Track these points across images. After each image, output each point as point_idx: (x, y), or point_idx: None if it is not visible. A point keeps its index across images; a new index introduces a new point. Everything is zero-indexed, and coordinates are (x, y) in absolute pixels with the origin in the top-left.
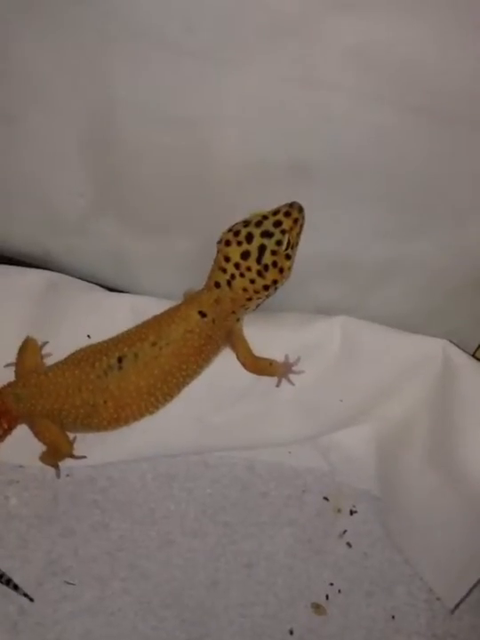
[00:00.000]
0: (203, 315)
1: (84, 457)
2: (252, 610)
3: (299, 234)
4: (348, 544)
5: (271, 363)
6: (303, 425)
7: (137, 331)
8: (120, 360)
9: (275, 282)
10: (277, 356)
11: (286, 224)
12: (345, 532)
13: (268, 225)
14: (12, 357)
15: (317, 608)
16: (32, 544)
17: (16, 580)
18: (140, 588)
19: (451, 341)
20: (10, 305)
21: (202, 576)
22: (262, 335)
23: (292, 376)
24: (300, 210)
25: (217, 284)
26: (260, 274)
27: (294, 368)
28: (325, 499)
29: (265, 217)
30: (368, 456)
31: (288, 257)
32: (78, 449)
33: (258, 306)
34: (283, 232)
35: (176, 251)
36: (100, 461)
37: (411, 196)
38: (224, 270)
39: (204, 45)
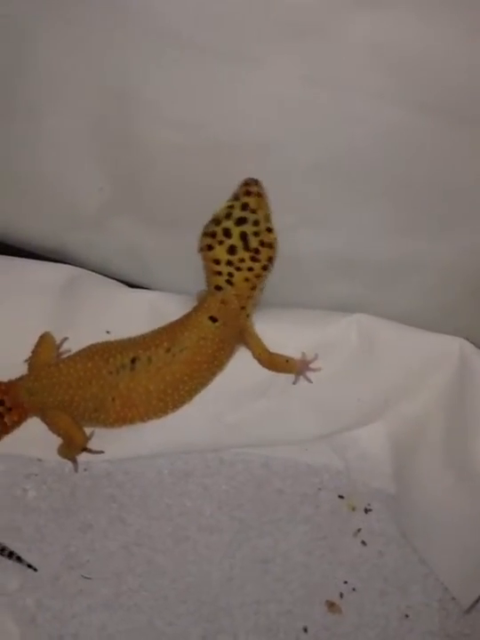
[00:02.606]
0: (214, 320)
1: (102, 452)
2: (267, 607)
3: (267, 205)
4: (363, 542)
5: (288, 360)
6: (319, 423)
7: (152, 336)
8: (133, 361)
9: (270, 258)
10: (294, 353)
11: (252, 203)
12: (360, 530)
13: (237, 213)
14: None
15: (332, 606)
16: (49, 537)
17: (33, 573)
18: (156, 583)
19: (467, 339)
20: (29, 299)
21: (217, 572)
22: (279, 332)
23: (309, 373)
24: (256, 182)
25: (218, 288)
26: (253, 259)
27: (311, 365)
28: (341, 497)
29: (230, 207)
30: (384, 454)
31: (269, 230)
32: (96, 444)
33: (261, 290)
34: (253, 212)
35: (192, 247)
36: (117, 456)
37: (425, 195)
38: (219, 273)
39: (222, 43)
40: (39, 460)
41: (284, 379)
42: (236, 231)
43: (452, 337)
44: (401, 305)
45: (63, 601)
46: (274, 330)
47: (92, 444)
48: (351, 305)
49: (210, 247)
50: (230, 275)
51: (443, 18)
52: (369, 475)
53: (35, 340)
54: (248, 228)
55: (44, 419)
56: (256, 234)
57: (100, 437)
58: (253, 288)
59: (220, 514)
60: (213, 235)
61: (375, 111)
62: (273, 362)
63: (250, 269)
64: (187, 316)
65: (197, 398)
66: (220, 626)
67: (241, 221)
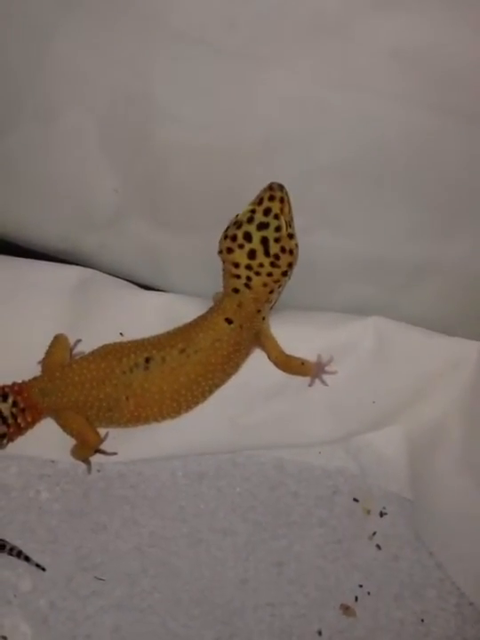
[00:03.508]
0: (229, 322)
1: (115, 453)
2: (281, 609)
3: (290, 210)
4: (378, 546)
5: (303, 362)
6: (334, 426)
7: (167, 337)
8: (147, 360)
9: (290, 265)
10: (310, 355)
11: (275, 207)
12: (375, 533)
13: (259, 217)
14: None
15: (346, 609)
16: (62, 539)
17: (46, 574)
18: (169, 585)
19: None
20: (43, 300)
21: (231, 575)
22: (295, 334)
23: (324, 376)
24: (281, 188)
25: (235, 291)
26: (273, 265)
27: (327, 368)
28: (355, 500)
29: (253, 211)
30: (399, 458)
31: (291, 236)
32: (109, 445)
33: (279, 294)
34: (276, 217)
35: (207, 249)
36: (130, 458)
37: (445, 198)
38: (238, 276)
39: (243, 44)
40: (53, 461)
41: (300, 381)
42: (256, 236)
43: (469, 340)
44: (418, 308)
45: (76, 602)
46: (289, 332)
47: (105, 446)
48: (367, 308)
49: (229, 250)
50: (248, 279)
51: (460, 20)
52: (384, 478)
53: (48, 341)
54: (269, 234)
55: (58, 419)
56: (277, 240)
57: (114, 439)
58: (271, 292)
59: (233, 516)
60: (234, 238)
61: (392, 113)
62: (288, 364)
63: (269, 275)
64: (202, 318)
65: (211, 400)
66: (233, 628)
67: (262, 226)
